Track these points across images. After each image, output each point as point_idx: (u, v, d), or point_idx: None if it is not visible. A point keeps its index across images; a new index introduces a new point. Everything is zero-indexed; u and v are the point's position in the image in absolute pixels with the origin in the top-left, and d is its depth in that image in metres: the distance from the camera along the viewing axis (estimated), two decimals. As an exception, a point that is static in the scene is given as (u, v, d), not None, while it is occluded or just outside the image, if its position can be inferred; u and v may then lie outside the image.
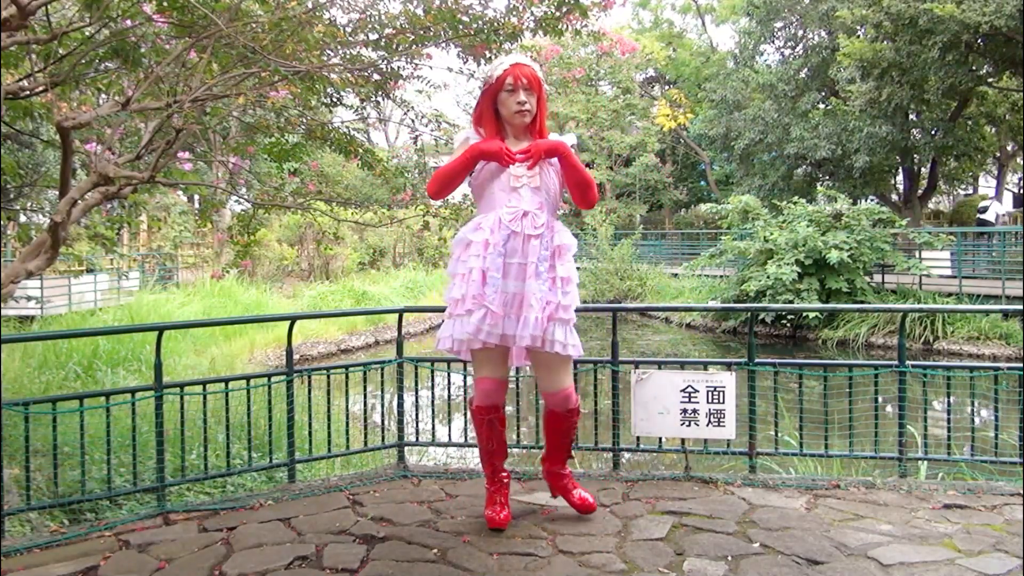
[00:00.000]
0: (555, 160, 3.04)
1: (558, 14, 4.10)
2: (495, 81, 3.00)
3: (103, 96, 4.69)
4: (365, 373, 4.29)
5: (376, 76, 4.27)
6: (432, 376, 4.79)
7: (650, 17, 33.61)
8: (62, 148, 3.35)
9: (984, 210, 17.50)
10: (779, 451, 4.05)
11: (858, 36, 17.84)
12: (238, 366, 10.27)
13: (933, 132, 18.89)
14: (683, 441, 3.90)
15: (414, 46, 4.00)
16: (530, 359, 3.17)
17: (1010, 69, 16.28)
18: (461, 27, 3.92)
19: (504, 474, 3.25)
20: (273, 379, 3.95)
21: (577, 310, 3.08)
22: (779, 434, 4.00)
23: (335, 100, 4.60)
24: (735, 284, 15.03)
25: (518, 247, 2.92)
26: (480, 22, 3.95)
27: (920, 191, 21.01)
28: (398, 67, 4.26)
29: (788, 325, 14.37)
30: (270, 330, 12.01)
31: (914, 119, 19.13)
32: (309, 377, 4.19)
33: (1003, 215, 17.75)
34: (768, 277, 13.67)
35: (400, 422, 4.16)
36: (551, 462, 3.30)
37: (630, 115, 28.87)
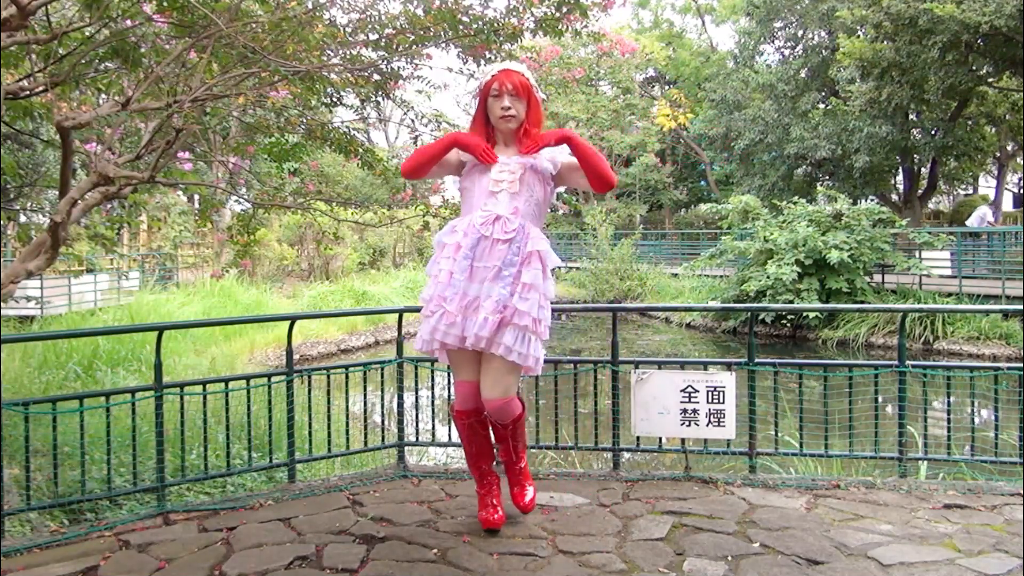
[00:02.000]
0: (543, 168, 3.03)
1: (558, 15, 4.10)
2: (483, 87, 3.03)
3: (103, 96, 4.69)
4: (365, 373, 4.29)
5: (376, 76, 4.27)
6: (432, 376, 4.79)
7: (650, 17, 33.61)
8: (62, 148, 3.35)
9: (968, 215, 17.75)
10: (779, 451, 4.05)
11: (858, 36, 17.84)
12: (238, 366, 10.26)
13: (933, 132, 18.90)
14: (683, 441, 3.90)
15: (414, 46, 4.00)
16: (480, 363, 3.04)
17: (1010, 69, 16.28)
18: (461, 27, 3.92)
19: (492, 475, 3.24)
20: (273, 379, 3.95)
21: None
22: (779, 434, 3.99)
23: (335, 100, 4.60)
24: (735, 284, 15.03)
25: (486, 250, 2.91)
26: (480, 22, 3.95)
27: (920, 191, 21.01)
28: (398, 67, 4.26)
29: (788, 325, 14.37)
30: (270, 330, 12.00)
31: (914, 119, 19.14)
32: (309, 377, 4.19)
33: (987, 220, 17.84)
34: (768, 277, 13.68)
35: (400, 422, 4.16)
36: (501, 453, 3.26)
37: (630, 115, 28.87)
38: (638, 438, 3.92)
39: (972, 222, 17.55)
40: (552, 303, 3.04)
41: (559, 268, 3.28)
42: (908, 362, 3.79)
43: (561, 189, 3.33)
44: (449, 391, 5.06)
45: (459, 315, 2.88)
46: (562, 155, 3.08)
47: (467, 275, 2.90)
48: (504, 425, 3.07)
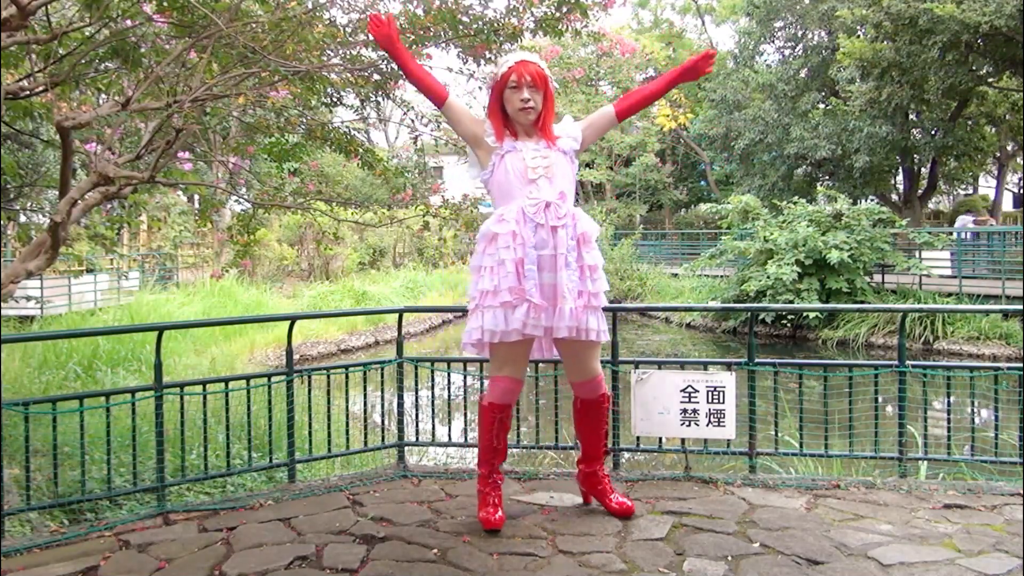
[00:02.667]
0: (568, 148, 3.08)
1: (558, 14, 4.10)
2: (500, 78, 3.01)
3: (103, 96, 4.69)
4: (365, 373, 4.29)
5: (376, 76, 4.27)
6: (432, 376, 4.79)
7: (650, 17, 33.60)
8: (62, 148, 3.35)
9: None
10: (779, 451, 4.05)
11: (858, 36, 17.83)
12: (238, 366, 10.26)
13: (933, 132, 18.89)
14: (683, 441, 3.90)
15: (414, 46, 4.00)
16: (558, 349, 3.17)
17: (1010, 69, 16.28)
18: (461, 27, 3.93)
19: (498, 475, 3.23)
20: (273, 379, 3.95)
21: None
22: (779, 434, 3.99)
23: (335, 100, 4.60)
24: (735, 284, 15.03)
25: (546, 239, 2.94)
26: (480, 22, 3.96)
27: (920, 191, 21.01)
28: (398, 67, 4.25)
29: (788, 325, 14.37)
30: (270, 330, 12.00)
31: (914, 119, 19.13)
32: (309, 377, 4.19)
33: (970, 222, 17.94)
34: (768, 277, 13.68)
35: (400, 422, 4.16)
36: (588, 462, 3.28)
37: (630, 115, 28.80)
38: (638, 438, 3.92)
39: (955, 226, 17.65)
40: None
41: None
42: (908, 362, 3.79)
43: None
44: (449, 391, 5.07)
45: (548, 306, 2.93)
46: (576, 126, 3.17)
47: (537, 264, 2.93)
48: (601, 397, 3.19)
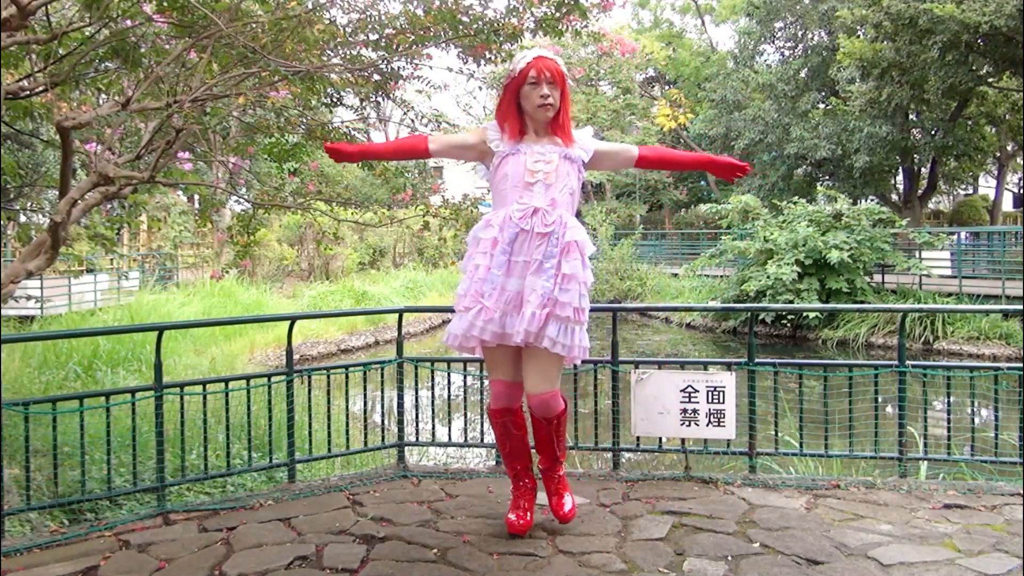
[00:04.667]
0: (576, 156, 3.02)
1: (558, 15, 4.10)
2: (518, 75, 2.95)
3: (103, 96, 4.68)
4: (365, 373, 4.29)
5: (376, 76, 4.26)
6: (432, 376, 4.79)
7: (650, 17, 33.59)
8: (62, 148, 3.35)
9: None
10: (779, 451, 4.05)
11: (858, 36, 17.83)
12: (238, 366, 10.26)
13: (933, 132, 18.89)
14: (683, 441, 3.90)
15: (414, 46, 4.00)
16: (522, 358, 3.03)
17: (1010, 69, 16.27)
18: (461, 28, 3.92)
19: (528, 479, 3.17)
20: (273, 379, 3.95)
21: None
22: (779, 434, 4.00)
23: (335, 100, 4.60)
24: (735, 284, 15.03)
25: (525, 244, 2.89)
26: (480, 23, 3.95)
27: (920, 191, 21.01)
28: (398, 67, 4.25)
29: (788, 325, 14.37)
30: (270, 330, 12.00)
31: (914, 119, 19.13)
32: (309, 377, 4.19)
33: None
34: (768, 277, 13.68)
35: (400, 422, 4.16)
36: (540, 461, 3.25)
37: (630, 115, 28.83)
38: (638, 438, 3.92)
39: None
40: None
41: None
42: (908, 362, 3.79)
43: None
44: (449, 391, 5.07)
45: (497, 311, 2.87)
46: (593, 141, 3.11)
47: (504, 270, 2.88)
48: (548, 420, 3.02)
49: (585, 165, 3.08)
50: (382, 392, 4.51)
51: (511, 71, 3.01)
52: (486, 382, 4.40)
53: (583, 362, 4.20)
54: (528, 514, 3.12)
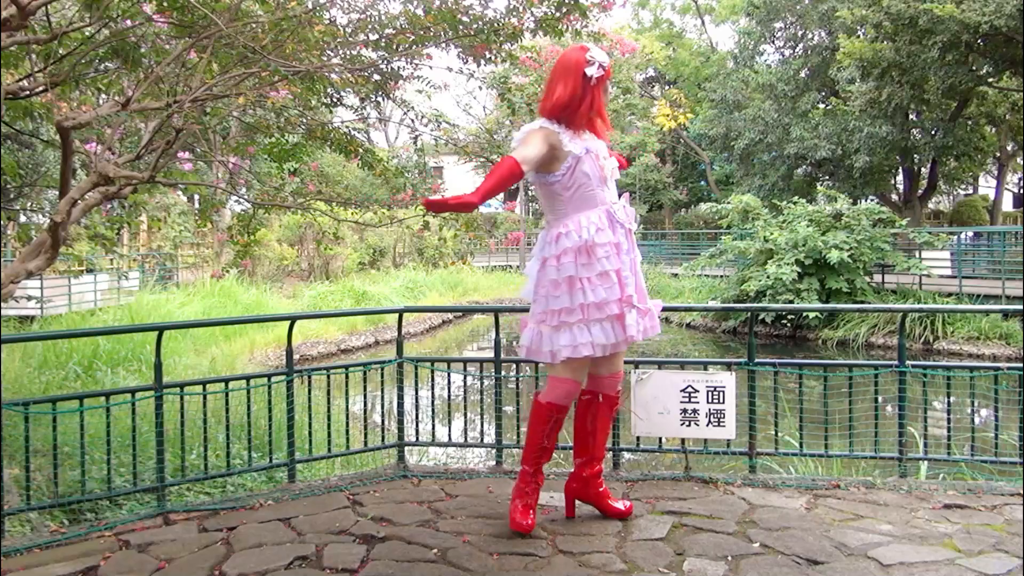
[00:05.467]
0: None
1: (558, 15, 4.10)
2: (607, 72, 2.93)
3: (103, 96, 4.69)
4: (365, 373, 4.29)
5: (376, 76, 4.27)
6: (432, 376, 4.79)
7: (650, 17, 33.60)
8: (62, 148, 3.35)
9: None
10: (779, 451, 4.05)
11: (858, 36, 17.84)
12: (238, 366, 10.26)
13: (933, 132, 18.89)
14: (683, 441, 3.90)
15: (414, 46, 4.00)
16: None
17: (1010, 69, 16.28)
18: (461, 27, 3.92)
19: (541, 478, 3.16)
20: (273, 379, 3.95)
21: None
22: (779, 434, 4.00)
23: (335, 100, 4.60)
24: (735, 284, 15.04)
25: (626, 242, 3.01)
26: (480, 22, 3.96)
27: (920, 191, 21.01)
28: (398, 67, 4.26)
29: (788, 325, 14.37)
30: (270, 330, 12.00)
31: (914, 119, 19.13)
32: (309, 377, 4.19)
33: None
34: (768, 277, 13.68)
35: (400, 422, 4.16)
36: (592, 464, 3.18)
37: (630, 115, 28.85)
38: (638, 438, 3.92)
39: None
40: None
41: None
42: (908, 362, 3.79)
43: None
44: (449, 391, 5.07)
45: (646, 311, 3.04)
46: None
47: (630, 270, 3.01)
48: (617, 395, 3.19)
49: None
50: (382, 392, 4.52)
51: (599, 66, 2.89)
52: (487, 382, 4.42)
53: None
54: (533, 513, 3.12)
